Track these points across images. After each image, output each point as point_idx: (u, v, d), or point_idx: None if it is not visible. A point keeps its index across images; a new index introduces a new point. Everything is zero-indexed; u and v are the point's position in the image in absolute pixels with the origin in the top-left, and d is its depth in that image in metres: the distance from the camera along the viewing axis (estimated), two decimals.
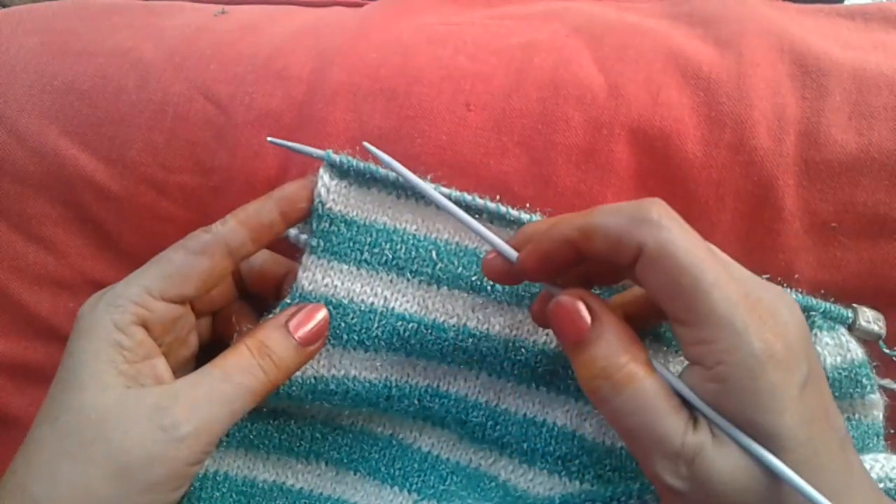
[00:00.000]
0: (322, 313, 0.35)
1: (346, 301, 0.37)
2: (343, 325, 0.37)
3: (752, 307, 0.27)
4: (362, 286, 0.37)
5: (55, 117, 0.41)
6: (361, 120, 0.40)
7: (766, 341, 0.26)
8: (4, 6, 0.50)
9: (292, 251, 0.39)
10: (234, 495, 0.39)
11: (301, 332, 0.34)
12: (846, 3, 0.44)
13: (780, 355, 0.26)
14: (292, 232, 0.39)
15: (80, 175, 0.41)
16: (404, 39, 0.42)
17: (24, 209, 0.42)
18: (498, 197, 0.37)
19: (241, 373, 0.32)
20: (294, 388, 0.36)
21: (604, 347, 0.29)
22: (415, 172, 0.37)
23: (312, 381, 0.37)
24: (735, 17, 0.41)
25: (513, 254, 0.32)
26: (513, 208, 0.37)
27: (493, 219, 0.37)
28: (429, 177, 0.37)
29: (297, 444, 0.40)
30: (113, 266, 0.43)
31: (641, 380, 0.28)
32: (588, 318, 0.30)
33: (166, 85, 0.41)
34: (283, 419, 0.39)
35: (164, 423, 0.30)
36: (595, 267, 0.33)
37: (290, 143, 0.37)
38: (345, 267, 0.37)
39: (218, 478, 0.39)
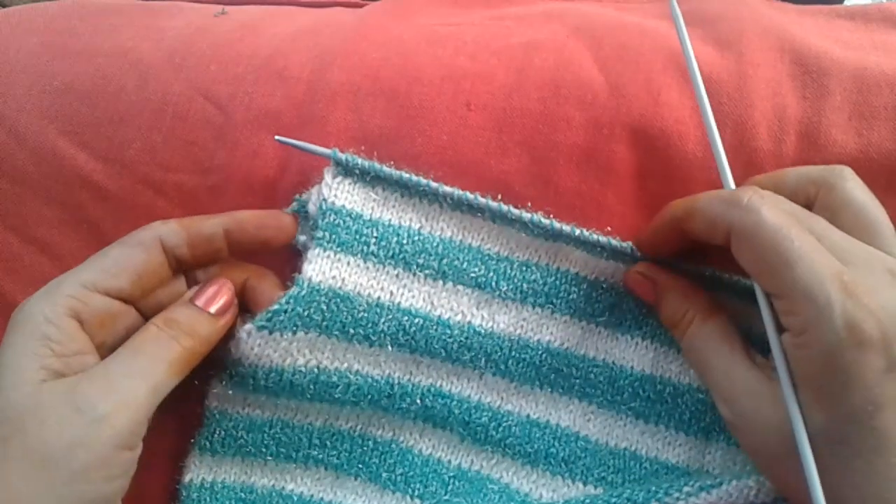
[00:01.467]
0: (222, 282, 0.36)
1: (353, 294, 0.36)
2: (350, 318, 0.36)
3: (843, 284, 0.27)
4: (369, 280, 0.37)
5: (54, 117, 0.41)
6: (362, 120, 0.40)
7: (850, 319, 0.27)
8: (4, 6, 0.50)
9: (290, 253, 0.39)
10: (232, 503, 0.38)
11: (201, 300, 0.35)
12: (846, 3, 0.44)
13: (866, 335, 0.27)
14: None
15: (77, 174, 0.41)
16: (404, 40, 0.42)
17: (21, 210, 0.41)
18: (500, 196, 0.37)
19: (151, 344, 0.32)
20: (297, 376, 0.36)
21: (668, 302, 0.35)
22: (416, 172, 0.37)
23: (315, 371, 0.36)
24: (735, 16, 0.42)
25: (730, 182, 0.34)
26: (514, 207, 0.37)
27: (496, 217, 0.37)
28: (431, 175, 0.37)
29: (295, 451, 0.39)
30: None
31: (696, 324, 0.34)
32: (651, 283, 0.36)
33: (166, 85, 0.41)
34: (279, 427, 0.39)
35: (81, 405, 0.29)
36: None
37: (297, 142, 0.37)
38: (352, 259, 0.36)
39: (215, 487, 0.38)
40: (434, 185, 0.36)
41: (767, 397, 0.30)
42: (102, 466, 0.29)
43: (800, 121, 0.38)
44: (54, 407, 0.29)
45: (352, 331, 0.36)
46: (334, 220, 0.36)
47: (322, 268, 0.36)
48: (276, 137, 0.37)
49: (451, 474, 0.39)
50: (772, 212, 0.29)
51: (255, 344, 0.35)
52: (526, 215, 0.36)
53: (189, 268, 0.37)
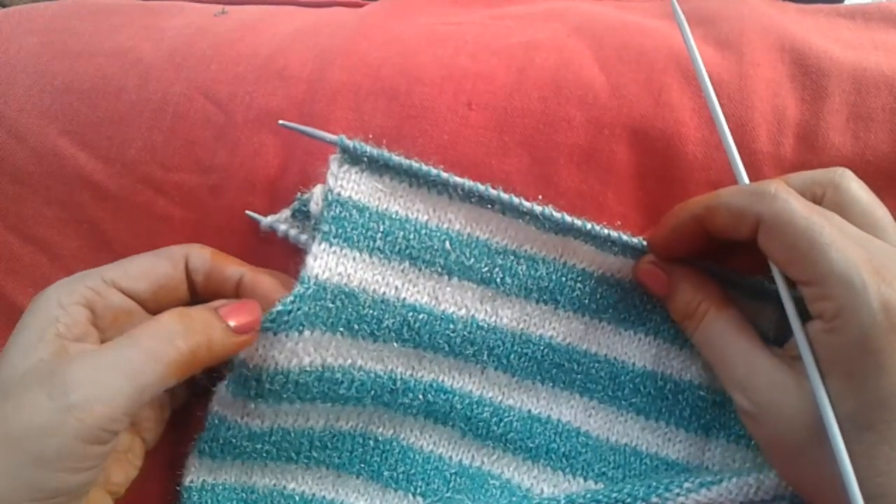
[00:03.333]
0: (252, 303, 0.34)
1: (358, 291, 0.35)
2: (355, 315, 0.35)
3: (874, 269, 0.28)
4: (374, 276, 0.36)
5: (55, 117, 0.41)
6: (363, 119, 0.40)
7: (886, 301, 0.27)
8: (4, 6, 0.50)
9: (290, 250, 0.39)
10: (233, 502, 0.38)
11: (224, 310, 0.33)
12: (846, 2, 0.44)
13: None
14: (292, 232, 0.38)
15: (78, 174, 0.41)
16: (405, 39, 0.42)
17: (21, 210, 0.41)
18: (511, 189, 0.37)
19: (151, 338, 0.30)
20: (302, 376, 0.35)
21: (681, 294, 0.35)
22: (425, 162, 0.36)
23: (320, 369, 0.36)
24: (735, 16, 0.42)
25: (744, 178, 0.35)
26: (526, 199, 0.36)
27: (506, 210, 0.36)
28: (442, 167, 0.36)
29: (296, 454, 0.38)
30: None
31: (711, 315, 0.34)
32: (664, 274, 0.36)
33: (166, 85, 0.41)
34: (279, 435, 0.38)
35: (54, 390, 0.27)
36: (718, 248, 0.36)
37: (302, 127, 0.37)
38: (357, 255, 0.36)
39: (216, 489, 0.38)
40: (444, 175, 0.36)
41: (791, 386, 0.30)
42: (65, 457, 0.27)
43: (798, 123, 0.38)
44: (32, 387, 0.28)
45: (356, 327, 0.36)
46: (340, 212, 0.35)
47: (328, 264, 0.35)
48: (280, 122, 0.37)
49: (453, 471, 0.39)
50: (799, 201, 0.30)
51: (259, 346, 0.34)
52: (537, 208, 0.36)
53: (199, 296, 0.37)
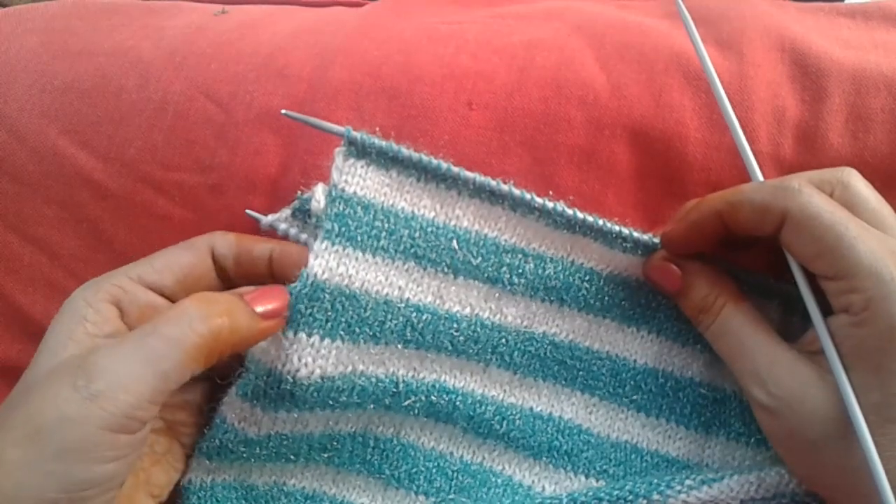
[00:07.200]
0: (279, 289, 0.33)
1: (359, 292, 0.34)
2: (355, 318, 0.34)
3: None
4: (377, 276, 0.35)
5: (55, 117, 0.41)
6: (363, 119, 0.40)
7: None
8: (4, 6, 0.50)
9: None
10: (233, 501, 0.38)
11: (249, 296, 0.32)
12: (846, 1, 0.44)
13: None
14: (292, 231, 0.38)
15: (77, 173, 0.41)
16: (406, 38, 0.42)
17: (21, 209, 0.41)
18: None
19: (170, 324, 0.29)
20: (298, 389, 0.34)
21: (697, 289, 0.35)
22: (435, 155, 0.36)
23: (319, 380, 0.34)
24: (736, 15, 0.42)
25: (759, 175, 0.35)
26: (537, 195, 0.35)
27: (516, 206, 0.36)
28: (451, 160, 0.35)
29: (295, 455, 0.38)
30: (105, 268, 0.41)
31: (728, 309, 0.34)
32: (678, 270, 0.35)
33: (166, 84, 0.41)
34: (278, 440, 0.37)
35: (79, 381, 0.27)
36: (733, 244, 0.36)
37: (305, 117, 0.36)
38: (360, 254, 0.34)
39: (216, 489, 0.38)
40: (455, 169, 0.35)
41: (813, 378, 0.30)
42: (91, 447, 0.27)
43: (797, 124, 0.39)
44: (59, 380, 0.28)
45: (357, 330, 0.34)
46: (344, 209, 0.34)
47: (329, 264, 0.34)
48: (283, 111, 0.36)
49: (455, 468, 0.39)
50: (824, 197, 0.30)
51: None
52: (549, 203, 0.35)
53: (232, 284, 0.36)
